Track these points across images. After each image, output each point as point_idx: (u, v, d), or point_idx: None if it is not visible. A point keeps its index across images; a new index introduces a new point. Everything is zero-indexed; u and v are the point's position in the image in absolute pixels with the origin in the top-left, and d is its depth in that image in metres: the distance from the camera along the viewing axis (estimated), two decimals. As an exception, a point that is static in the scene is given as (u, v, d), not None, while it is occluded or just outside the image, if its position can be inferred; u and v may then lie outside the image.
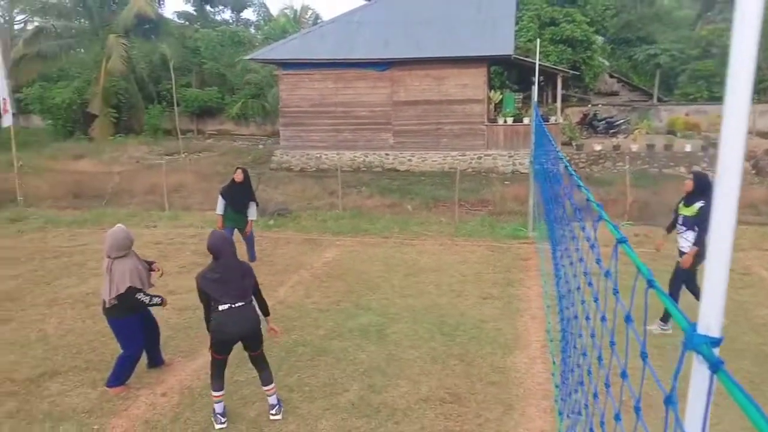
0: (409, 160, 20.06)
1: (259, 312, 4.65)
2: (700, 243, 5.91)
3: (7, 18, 33.76)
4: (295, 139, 20.95)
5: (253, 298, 4.62)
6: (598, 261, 1.60)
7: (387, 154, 20.26)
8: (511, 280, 8.08)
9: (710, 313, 0.82)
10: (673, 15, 35.07)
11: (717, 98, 24.84)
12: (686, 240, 6.13)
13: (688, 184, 6.20)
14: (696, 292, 6.07)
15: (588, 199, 1.90)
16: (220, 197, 8.69)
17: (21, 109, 29.91)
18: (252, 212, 8.87)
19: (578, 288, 1.87)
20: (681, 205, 6.30)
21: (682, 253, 6.16)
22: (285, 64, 20.60)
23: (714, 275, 0.82)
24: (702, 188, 6.03)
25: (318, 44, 20.41)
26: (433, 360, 5.67)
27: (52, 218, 12.58)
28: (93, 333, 6.40)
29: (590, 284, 1.68)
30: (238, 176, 8.70)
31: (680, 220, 6.22)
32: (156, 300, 5.16)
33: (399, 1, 22.12)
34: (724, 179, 0.84)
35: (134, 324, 5.12)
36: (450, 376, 5.35)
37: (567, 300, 2.45)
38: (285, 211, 12.53)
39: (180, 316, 6.86)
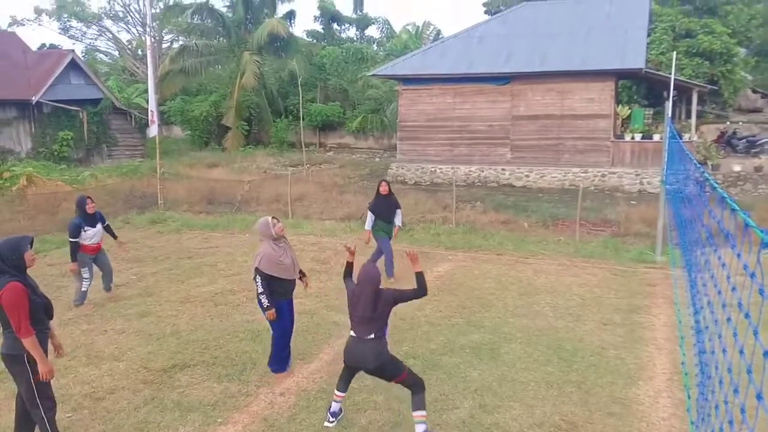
0: (527, 176, 19.57)
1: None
2: None
3: (156, 38, 37.27)
4: (411, 152, 21.19)
5: (384, 331, 4.59)
6: (761, 291, 1.45)
7: (503, 170, 19.91)
8: (635, 307, 7.59)
9: None
10: None
11: None
12: None
13: None
14: None
15: (746, 224, 1.74)
16: (369, 213, 8.87)
17: (164, 120, 32.87)
18: (399, 219, 9.08)
19: (728, 320, 1.70)
20: None
21: None
22: (405, 80, 20.97)
23: None
24: None
25: (438, 60, 20.57)
26: (548, 385, 5.45)
27: (188, 221, 13.64)
28: (220, 330, 6.83)
29: (747, 316, 1.53)
30: (384, 189, 8.86)
31: None
32: (264, 301, 5.38)
33: (523, 15, 21.79)
34: None
35: (279, 307, 5.45)
36: (566, 402, 5.10)
37: (710, 332, 2.24)
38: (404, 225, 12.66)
39: (297, 320, 7.14)
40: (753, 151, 20.42)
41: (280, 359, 5.64)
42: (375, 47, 38.18)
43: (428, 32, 37.48)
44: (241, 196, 15.56)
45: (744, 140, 21.04)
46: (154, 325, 7.05)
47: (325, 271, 9.42)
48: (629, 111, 19.65)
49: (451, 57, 20.46)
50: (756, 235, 1.58)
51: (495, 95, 19.78)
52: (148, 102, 17.27)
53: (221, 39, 33.62)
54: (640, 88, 22.71)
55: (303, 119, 27.53)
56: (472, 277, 9.10)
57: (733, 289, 2.09)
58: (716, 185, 2.94)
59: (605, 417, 4.86)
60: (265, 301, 5.37)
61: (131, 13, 40.31)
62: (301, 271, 5.84)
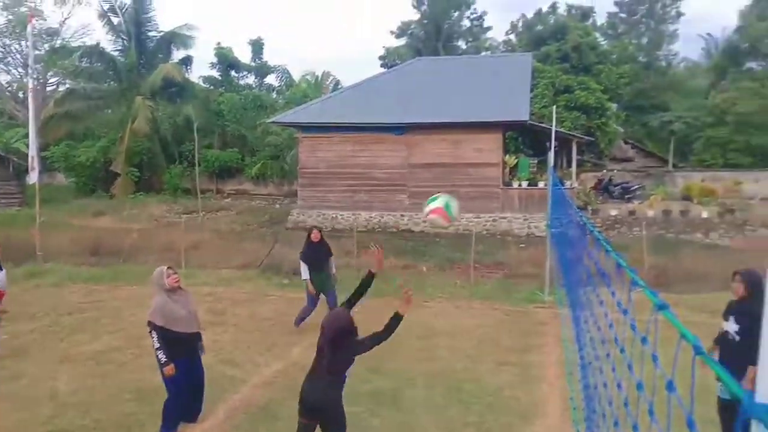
0: (424, 221, 20.10)
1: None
2: None
3: (40, 80, 35.20)
4: (312, 199, 21.19)
5: (341, 378, 4.29)
6: (633, 327, 1.56)
7: (402, 215, 20.37)
8: (528, 346, 7.90)
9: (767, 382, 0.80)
10: (687, 84, 35.71)
11: (732, 165, 24.90)
12: None
13: None
14: None
15: (618, 265, 1.88)
16: (302, 263, 8.51)
17: (47, 166, 30.77)
18: (332, 266, 8.80)
19: (608, 355, 1.81)
20: None
21: None
22: (305, 127, 21.12)
23: None
24: None
25: (338, 108, 20.96)
26: (448, 429, 5.49)
27: (70, 274, 12.67)
28: (104, 391, 6.31)
29: (623, 351, 1.63)
30: (316, 236, 8.60)
31: None
32: (161, 356, 5.08)
33: (417, 69, 22.85)
34: None
35: (178, 366, 5.09)
36: (466, 445, 5.16)
37: (593, 367, 2.38)
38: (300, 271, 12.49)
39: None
40: (627, 196, 22.31)
41: (172, 423, 5.26)
42: (274, 95, 38.27)
43: (328, 82, 38.17)
44: (129, 246, 14.73)
45: (619, 187, 22.97)
46: (28, 389, 6.40)
47: (220, 323, 9.04)
48: (516, 160, 20.90)
49: (350, 106, 20.93)
50: (627, 275, 1.70)
51: (393, 144, 20.37)
52: (28, 147, 16.10)
53: (112, 83, 32.33)
54: (526, 138, 24.31)
55: (199, 165, 26.81)
56: (374, 323, 9.05)
57: (610, 325, 2.23)
58: (593, 229, 3.16)
59: (504, 457, 4.95)
60: (162, 357, 5.05)
61: (12, 54, 37.95)
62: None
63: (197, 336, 5.43)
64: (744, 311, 4.54)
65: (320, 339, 4.31)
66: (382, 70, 35.56)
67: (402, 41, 43.38)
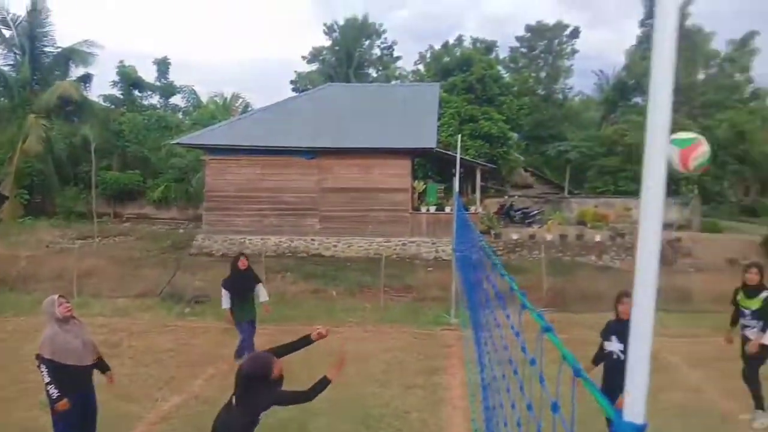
0: (335, 245, 20.07)
1: None
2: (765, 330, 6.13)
3: None
4: (219, 223, 20.58)
5: (255, 418, 3.99)
6: (523, 349, 1.62)
7: (313, 240, 20.21)
8: (434, 368, 8.02)
9: (635, 401, 0.85)
10: (581, 116, 38.26)
11: (622, 192, 26.80)
12: (755, 330, 6.24)
13: (753, 277, 6.27)
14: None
15: (511, 288, 1.95)
16: (224, 291, 8.00)
17: None
18: (263, 294, 8.34)
19: (504, 376, 1.87)
20: (741, 297, 6.39)
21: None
22: (212, 150, 20.57)
23: (636, 364, 0.86)
24: (762, 279, 6.27)
25: (247, 131, 20.61)
26: (356, 455, 5.43)
27: (-55, 305, 11.50)
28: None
29: (515, 372, 1.69)
30: (243, 263, 8.14)
31: (746, 314, 6.31)
32: (52, 392, 4.70)
33: (329, 94, 23.00)
34: (643, 274, 0.88)
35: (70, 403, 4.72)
36: (374, 472, 5.12)
37: (491, 388, 2.45)
38: (203, 298, 12.06)
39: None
40: (527, 221, 23.40)
41: None
42: (180, 116, 37.11)
43: (237, 104, 37.55)
44: (17, 274, 13.62)
45: (520, 212, 24.06)
46: None
47: (116, 356, 8.49)
48: (425, 186, 21.43)
49: (260, 129, 20.64)
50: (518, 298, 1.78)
51: (303, 168, 20.26)
52: None
53: (2, 99, 30.09)
54: (434, 165, 25.02)
55: (96, 187, 25.35)
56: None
57: (505, 347, 2.30)
58: (491, 253, 3.28)
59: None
60: (53, 392, 4.67)
61: None
62: (100, 360, 5.20)
63: (89, 370, 5.08)
64: (624, 331, 4.84)
65: (237, 376, 4.15)
66: (294, 94, 35.50)
67: (314, 66, 43.63)
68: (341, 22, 42.61)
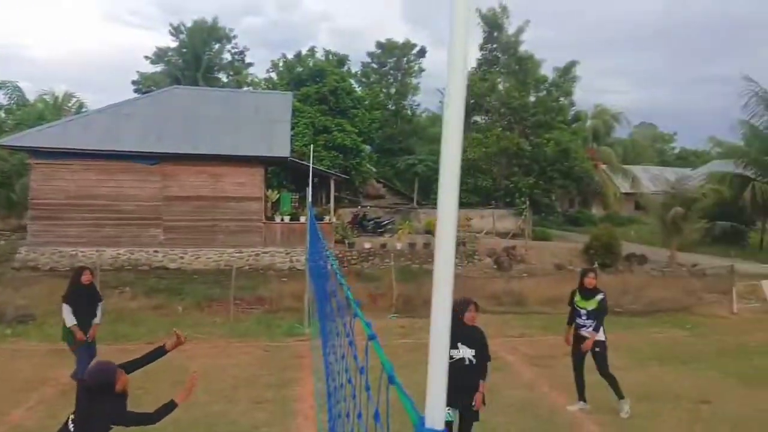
0: (181, 257, 19.08)
1: None
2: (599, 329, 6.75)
3: None
4: (46, 234, 18.59)
5: None
6: (355, 357, 1.66)
7: (156, 252, 19.02)
8: (286, 381, 7.92)
9: (434, 408, 0.91)
10: (428, 131, 40.17)
11: (464, 204, 28.55)
12: (590, 329, 6.82)
13: (591, 281, 6.87)
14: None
15: (347, 297, 1.99)
16: (65, 306, 7.12)
17: None
18: (100, 313, 7.48)
19: (342, 385, 1.90)
20: (578, 299, 6.92)
21: (593, 343, 6.78)
22: (39, 153, 18.55)
23: (435, 372, 0.91)
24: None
25: (80, 133, 18.89)
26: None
27: None
28: None
29: (350, 381, 1.72)
30: (87, 278, 7.30)
31: (583, 314, 6.86)
32: None
33: (175, 97, 21.84)
34: (439, 290, 0.94)
35: None
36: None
37: (335, 397, 2.47)
38: (27, 318, 10.83)
39: None
40: (379, 230, 24.07)
41: None
42: (2, 114, 33.13)
43: (70, 104, 34.33)
44: None
45: (372, 222, 24.68)
46: None
47: None
48: (278, 195, 21.18)
49: (95, 132, 19.03)
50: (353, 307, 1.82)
51: (144, 174, 19.03)
52: None
53: None
54: (288, 174, 24.82)
55: None
56: (118, 372, 8.23)
57: (342, 356, 2.34)
58: (334, 263, 3.32)
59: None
60: None
61: None
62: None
63: None
64: (471, 336, 5.16)
65: (78, 390, 3.80)
66: (136, 95, 33.32)
67: (159, 68, 41.32)
68: (189, 24, 40.92)
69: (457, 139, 0.93)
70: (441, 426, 0.89)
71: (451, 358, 5.21)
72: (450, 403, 4.80)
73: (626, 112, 58.84)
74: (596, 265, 18.24)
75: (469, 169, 29.35)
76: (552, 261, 20.71)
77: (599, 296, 6.83)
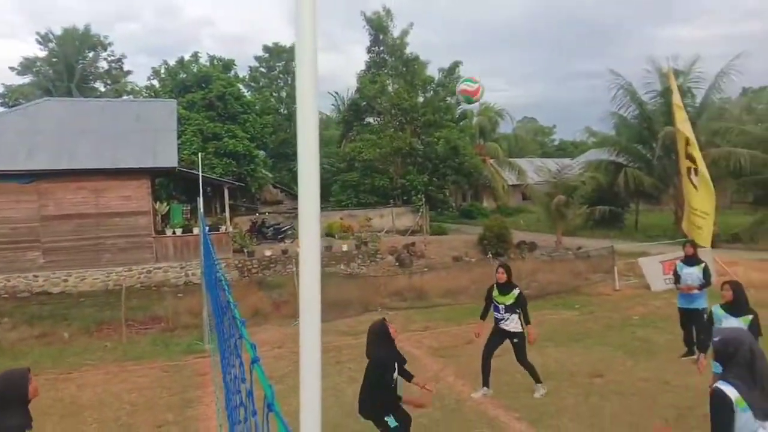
0: (65, 280, 17.74)
1: None
2: (526, 320, 7.00)
3: None
4: None
5: None
6: (243, 379, 1.60)
7: (36, 276, 17.56)
8: (188, 400, 7.59)
9: (309, 419, 0.90)
10: (323, 134, 40.04)
11: (363, 204, 28.79)
12: (512, 322, 6.99)
13: (501, 276, 7.03)
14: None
15: (234, 317, 1.92)
16: None
17: None
18: None
19: (236, 406, 1.83)
20: (496, 294, 7.08)
21: (511, 333, 7.02)
22: None
23: (308, 386, 0.90)
24: (510, 276, 7.08)
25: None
26: None
27: None
28: None
29: (242, 404, 1.67)
30: None
31: (501, 309, 7.03)
32: None
33: (47, 110, 20.24)
34: (306, 296, 0.92)
35: None
36: None
37: (232, 419, 2.39)
38: None
39: None
40: (279, 236, 23.68)
41: None
42: None
43: None
44: None
45: (272, 228, 24.23)
46: None
47: None
48: (168, 207, 20.25)
49: (-46, 150, 17.29)
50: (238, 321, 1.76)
51: (17, 194, 17.51)
52: None
53: None
54: (177, 185, 23.78)
55: None
56: None
57: (235, 377, 2.27)
58: (222, 277, 3.22)
59: None
60: None
61: None
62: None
63: None
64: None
65: None
66: (2, 110, 30.57)
67: (26, 79, 38.21)
68: (58, 32, 38.13)
69: (313, 136, 0.92)
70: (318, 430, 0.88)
71: (395, 380, 5.02)
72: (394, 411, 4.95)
73: (508, 108, 62.18)
74: (507, 259, 19.07)
75: (365, 170, 29.59)
76: (450, 254, 21.36)
77: (515, 291, 7.08)
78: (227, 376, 3.08)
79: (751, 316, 5.57)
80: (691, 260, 8.50)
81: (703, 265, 8.44)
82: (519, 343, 7.11)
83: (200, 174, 11.22)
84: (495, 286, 7.18)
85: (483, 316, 7.36)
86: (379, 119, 32.45)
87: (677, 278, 8.62)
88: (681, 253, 8.89)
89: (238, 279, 18.74)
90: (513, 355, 9.05)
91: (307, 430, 0.88)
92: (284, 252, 20.26)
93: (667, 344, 9.19)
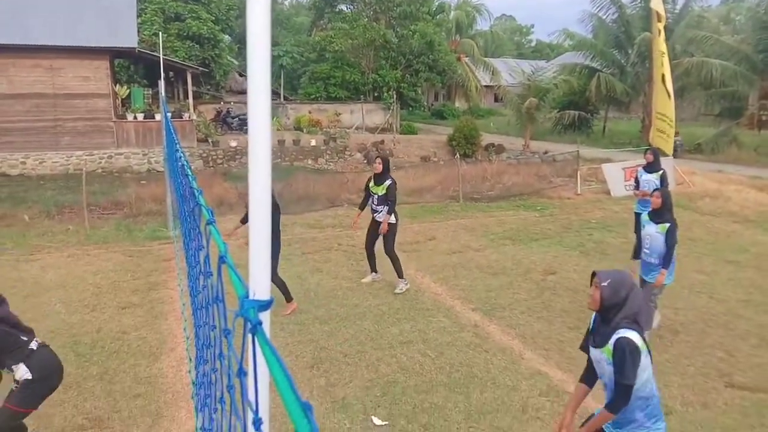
0: (23, 162, 17.25)
1: None
2: (392, 212, 7.19)
3: None
4: None
5: None
6: (206, 260, 1.61)
7: (-9, 158, 17.03)
8: (153, 284, 7.69)
9: (258, 281, 0.91)
10: (292, 21, 38.29)
11: (333, 98, 28.15)
12: (383, 213, 7.19)
13: (378, 167, 7.14)
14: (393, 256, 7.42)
15: (197, 200, 1.90)
16: None
17: None
18: None
19: (204, 287, 1.86)
20: (372, 185, 7.22)
21: (380, 224, 7.20)
22: None
23: (258, 247, 0.90)
24: (387, 169, 7.19)
25: None
26: (66, 387, 4.99)
27: None
28: None
29: (204, 287, 1.68)
30: None
31: (375, 200, 7.21)
32: None
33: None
34: (256, 166, 0.91)
35: None
36: (89, 399, 4.82)
37: (194, 293, 2.45)
38: None
39: None
40: (245, 128, 23.12)
41: None
42: None
43: None
44: None
45: (237, 118, 23.64)
46: None
47: None
48: (128, 91, 19.46)
49: None
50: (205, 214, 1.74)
51: (-35, 70, 16.55)
52: None
53: None
54: (139, 68, 22.73)
55: None
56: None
57: (197, 262, 2.29)
58: (186, 164, 3.16)
59: (131, 400, 4.81)
60: None
61: None
62: None
63: None
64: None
65: None
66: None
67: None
68: None
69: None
70: (266, 296, 0.90)
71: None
72: None
73: (487, 4, 59.93)
74: (474, 160, 19.15)
75: (336, 61, 28.67)
76: (419, 154, 21.38)
77: (387, 182, 7.20)
78: (191, 258, 3.11)
79: (668, 225, 5.77)
80: (651, 167, 8.69)
81: (661, 172, 8.65)
82: (389, 233, 7.33)
83: (161, 56, 10.68)
84: (372, 176, 7.34)
85: (361, 207, 7.61)
86: (352, 7, 31.04)
87: (637, 184, 8.85)
88: (644, 161, 9.06)
89: (203, 168, 18.50)
90: (472, 252, 9.34)
91: (255, 284, 0.90)
92: (251, 143, 19.92)
93: (620, 246, 9.60)
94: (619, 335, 2.99)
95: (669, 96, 13.88)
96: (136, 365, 5.42)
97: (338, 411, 4.67)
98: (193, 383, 3.27)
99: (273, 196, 5.30)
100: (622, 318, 3.02)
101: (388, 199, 7.18)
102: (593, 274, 3.22)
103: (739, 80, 22.41)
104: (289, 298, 6.68)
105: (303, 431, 0.60)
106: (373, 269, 7.77)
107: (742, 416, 4.64)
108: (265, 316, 0.87)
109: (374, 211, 7.38)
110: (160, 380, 5.16)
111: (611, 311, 3.06)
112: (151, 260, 8.85)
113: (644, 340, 3.03)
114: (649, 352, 3.05)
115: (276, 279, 6.49)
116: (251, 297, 0.88)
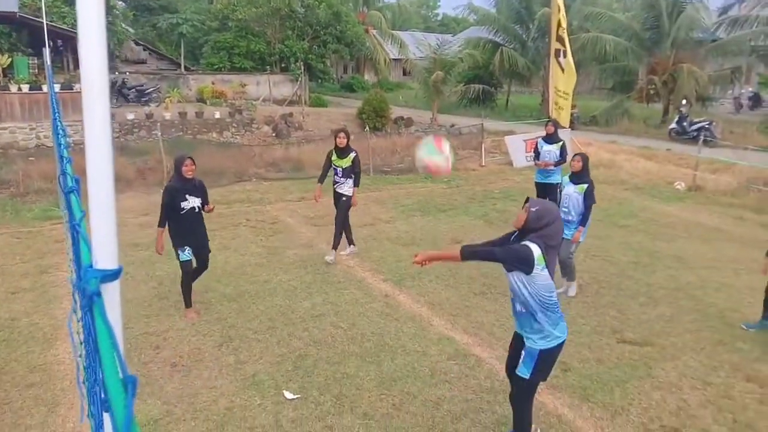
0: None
1: None
2: (358, 184, 7.46)
3: None
4: None
5: None
6: (77, 221, 1.50)
7: None
8: (44, 267, 7.20)
9: (102, 250, 0.87)
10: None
11: (237, 68, 27.18)
12: (345, 185, 7.30)
13: (342, 141, 7.20)
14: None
15: (63, 172, 1.76)
16: None
17: None
18: None
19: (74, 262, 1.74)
20: (335, 158, 7.27)
21: (341, 195, 7.36)
22: None
23: (101, 215, 0.86)
24: (349, 142, 7.31)
25: None
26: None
27: None
28: None
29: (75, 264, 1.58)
30: None
31: (339, 172, 7.28)
32: None
33: None
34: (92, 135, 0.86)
35: None
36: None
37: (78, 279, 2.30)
38: None
39: None
40: (143, 99, 21.95)
41: None
42: None
43: None
44: None
45: (134, 90, 22.32)
46: None
47: None
48: (10, 59, 17.82)
49: None
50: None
51: None
52: None
53: None
54: (22, 35, 20.81)
55: None
56: None
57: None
58: (63, 133, 2.93)
59: (24, 390, 4.54)
60: None
61: None
62: None
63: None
64: (195, 187, 5.84)
65: None
66: None
67: None
68: None
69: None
70: (112, 265, 0.86)
71: (182, 209, 5.60)
72: (186, 244, 5.69)
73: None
74: (384, 133, 19.14)
75: (240, 30, 27.63)
76: (329, 126, 21.16)
77: (352, 154, 7.34)
78: (73, 234, 2.91)
79: (586, 185, 6.32)
80: (551, 138, 9.10)
81: (561, 143, 9.08)
82: (344, 203, 7.48)
83: (45, 22, 9.83)
84: (334, 150, 7.39)
85: (321, 180, 7.62)
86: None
87: (537, 155, 9.24)
88: (543, 133, 9.45)
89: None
90: (383, 224, 9.44)
91: (99, 253, 0.85)
92: (149, 116, 18.92)
93: (521, 215, 10.04)
94: (523, 243, 3.45)
95: (562, 70, 14.50)
96: (28, 353, 5.09)
97: (249, 388, 4.62)
98: (85, 368, 3.10)
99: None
100: (534, 236, 3.43)
101: (354, 171, 7.32)
102: (526, 200, 3.62)
103: (629, 56, 23.74)
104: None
105: (117, 406, 0.57)
106: (351, 242, 7.89)
107: (632, 369, 5.03)
108: (113, 287, 0.82)
109: (336, 183, 7.46)
110: (56, 367, 4.88)
111: (529, 233, 3.47)
112: (42, 242, 8.28)
113: (543, 255, 3.41)
114: (547, 266, 3.43)
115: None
116: (96, 266, 0.83)
